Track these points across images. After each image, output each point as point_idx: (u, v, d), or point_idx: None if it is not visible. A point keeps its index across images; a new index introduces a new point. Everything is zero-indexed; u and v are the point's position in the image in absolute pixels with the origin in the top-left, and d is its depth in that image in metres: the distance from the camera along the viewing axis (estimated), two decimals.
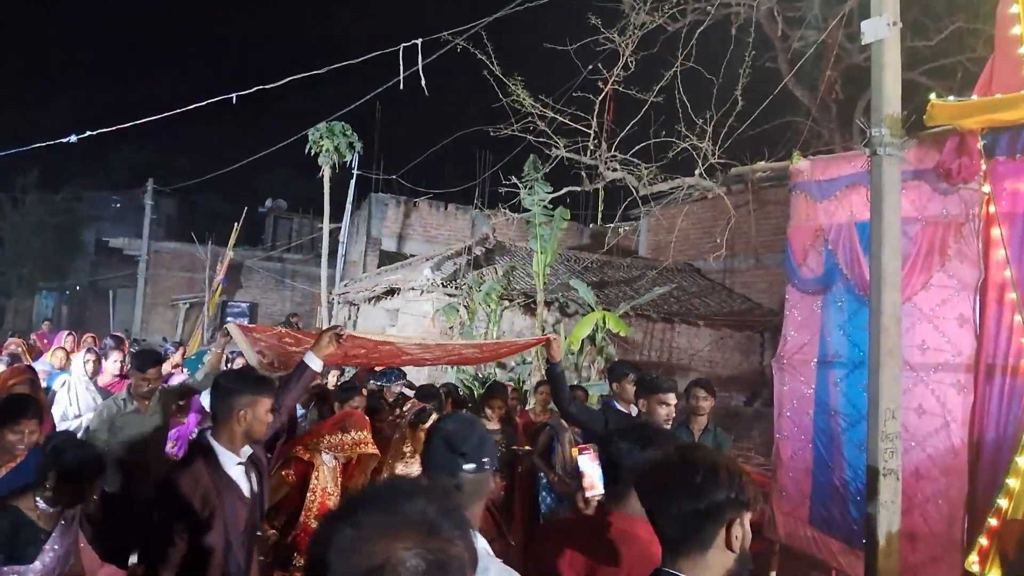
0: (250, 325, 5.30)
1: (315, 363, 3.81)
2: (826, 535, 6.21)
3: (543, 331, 11.27)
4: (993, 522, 5.01)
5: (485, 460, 2.12)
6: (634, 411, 5.18)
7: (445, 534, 1.07)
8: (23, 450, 3.73)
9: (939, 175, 5.46)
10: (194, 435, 5.71)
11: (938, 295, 5.57)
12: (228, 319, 23.43)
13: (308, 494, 4.38)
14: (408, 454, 4.79)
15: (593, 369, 11.51)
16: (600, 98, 8.89)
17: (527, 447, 6.24)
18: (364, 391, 6.31)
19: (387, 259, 17.47)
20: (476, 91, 10.31)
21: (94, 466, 3.34)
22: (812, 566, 6.51)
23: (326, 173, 16.67)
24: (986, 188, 5.40)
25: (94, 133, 8.81)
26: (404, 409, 4.77)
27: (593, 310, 10.94)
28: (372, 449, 4.59)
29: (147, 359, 5.38)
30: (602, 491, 4.21)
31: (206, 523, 2.96)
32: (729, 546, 1.75)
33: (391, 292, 13.09)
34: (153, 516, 3.01)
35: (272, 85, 9.25)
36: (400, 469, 4.75)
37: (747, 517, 1.80)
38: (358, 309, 15.31)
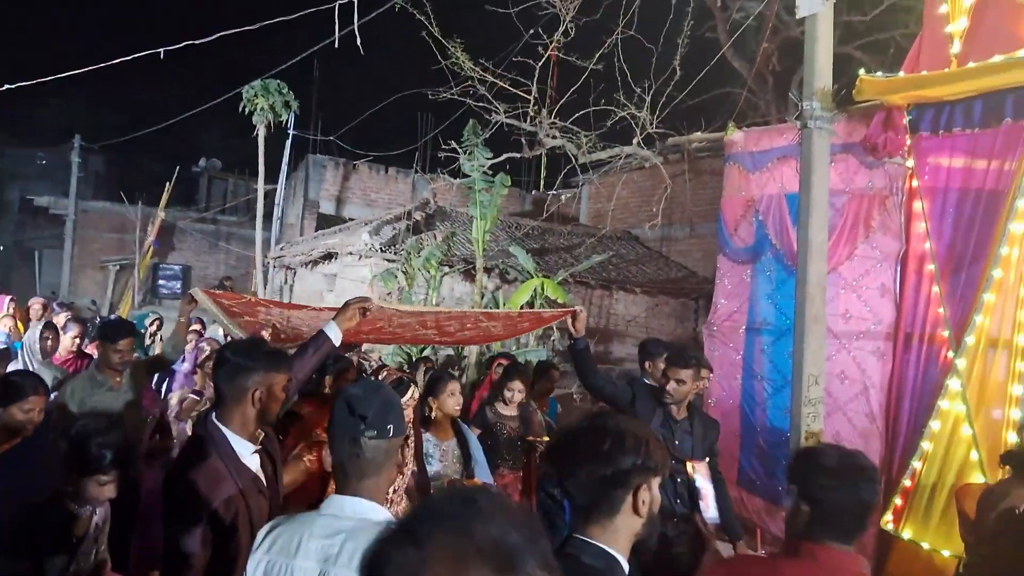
0: (216, 291, 5.00)
1: (335, 335, 3.48)
2: (752, 495, 6.45)
3: (482, 297, 11.28)
4: (907, 483, 5.27)
5: (389, 427, 2.04)
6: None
7: (524, 570, 0.90)
8: (30, 429, 3.64)
9: (866, 149, 5.62)
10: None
11: (862, 266, 5.76)
12: (160, 282, 22.80)
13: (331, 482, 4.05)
14: None
15: (531, 336, 11.59)
16: (540, 64, 8.84)
17: (546, 437, 5.58)
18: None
19: (325, 222, 17.19)
20: (417, 53, 10.13)
21: (124, 453, 2.99)
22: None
23: (261, 132, 16.24)
24: (910, 163, 5.59)
25: (16, 86, 8.37)
26: (380, 378, 4.48)
27: (532, 277, 10.98)
28: None
29: (120, 329, 4.96)
30: (717, 515, 4.21)
31: (231, 527, 2.54)
32: (636, 511, 1.79)
33: (328, 256, 12.91)
34: (167, 522, 2.60)
35: (201, 41, 8.94)
36: None
37: (655, 482, 1.84)
38: (295, 273, 15.07)
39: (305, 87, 18.92)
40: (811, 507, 2.15)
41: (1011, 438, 4.88)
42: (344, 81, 24.03)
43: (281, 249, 16.40)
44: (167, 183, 20.65)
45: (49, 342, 5.90)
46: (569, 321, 4.37)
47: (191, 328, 7.26)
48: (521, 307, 11.04)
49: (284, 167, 17.62)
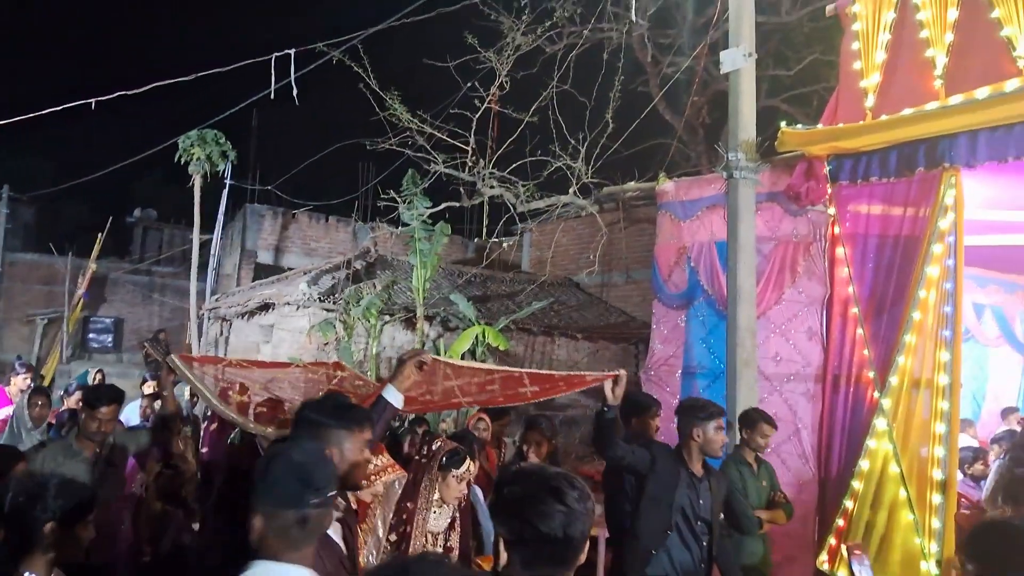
0: (192, 355, 4.71)
1: (397, 398, 3.17)
2: None
3: (423, 346, 11.20)
4: (840, 523, 5.37)
5: (332, 492, 2.00)
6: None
7: None
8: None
9: (790, 197, 5.84)
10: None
11: (789, 310, 5.93)
12: (91, 335, 22.02)
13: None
14: (436, 503, 3.95)
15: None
16: (477, 115, 8.99)
17: None
18: None
19: (264, 272, 16.92)
20: (356, 103, 10.19)
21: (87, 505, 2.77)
22: None
23: (197, 182, 15.99)
24: (831, 210, 5.82)
25: None
26: (433, 448, 4.03)
27: (474, 324, 10.97)
28: (400, 472, 3.71)
29: (103, 395, 4.52)
30: None
31: None
32: None
33: (265, 307, 12.68)
34: None
35: (134, 91, 8.86)
36: (432, 521, 3.93)
37: None
38: (230, 325, 14.75)
39: (243, 136, 18.84)
40: None
41: (937, 475, 5.03)
42: (283, 131, 24.00)
43: (216, 300, 16.06)
44: (99, 233, 20.10)
45: (38, 409, 5.75)
46: (609, 385, 3.96)
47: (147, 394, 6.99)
48: (463, 355, 11.00)
49: (220, 216, 17.35)
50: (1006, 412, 7.97)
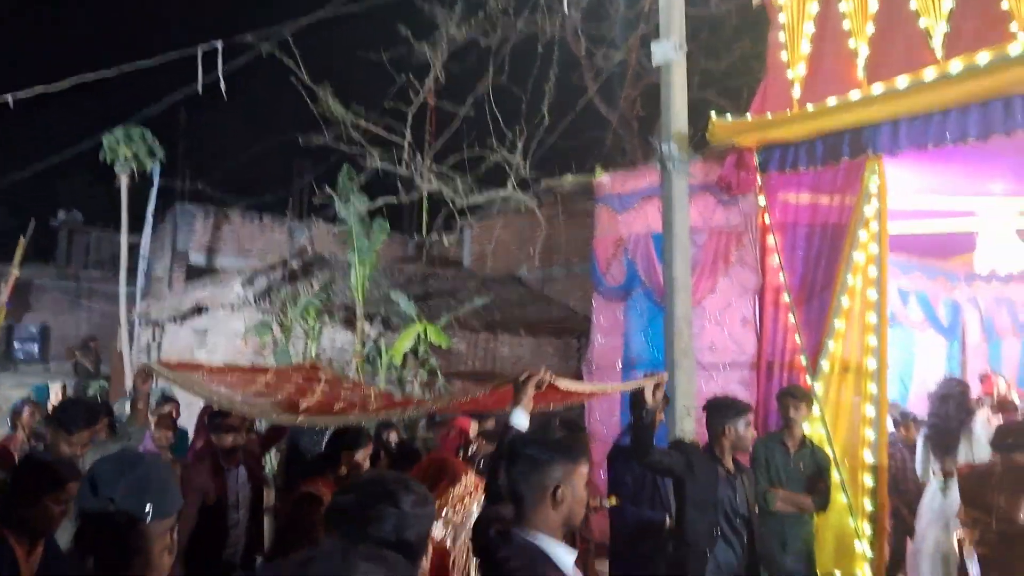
0: (172, 361, 4.39)
1: (523, 420, 2.89)
2: None
3: (363, 345, 11.03)
4: None
5: (147, 509, 1.78)
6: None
7: None
8: None
9: (721, 188, 5.92)
10: None
11: (723, 299, 6.02)
12: (15, 344, 21.11)
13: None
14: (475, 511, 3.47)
15: (416, 383, 11.42)
16: (413, 109, 8.88)
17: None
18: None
19: (196, 275, 16.43)
20: (289, 99, 9.98)
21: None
22: None
23: (124, 182, 15.43)
24: (761, 200, 5.91)
25: None
26: (469, 452, 3.74)
27: (415, 322, 10.85)
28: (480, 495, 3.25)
29: (78, 416, 3.82)
30: None
31: None
32: None
33: (199, 310, 12.32)
34: None
35: (55, 87, 8.52)
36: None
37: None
38: (163, 330, 14.29)
39: (172, 134, 18.28)
40: None
41: (868, 457, 5.16)
42: (214, 128, 23.37)
43: (148, 305, 15.55)
44: (22, 237, 19.27)
45: None
46: (650, 388, 3.71)
47: (165, 411, 6.28)
48: (404, 355, 10.89)
49: (149, 217, 16.77)
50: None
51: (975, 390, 6.74)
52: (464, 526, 3.19)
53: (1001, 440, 4.54)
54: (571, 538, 4.07)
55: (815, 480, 4.74)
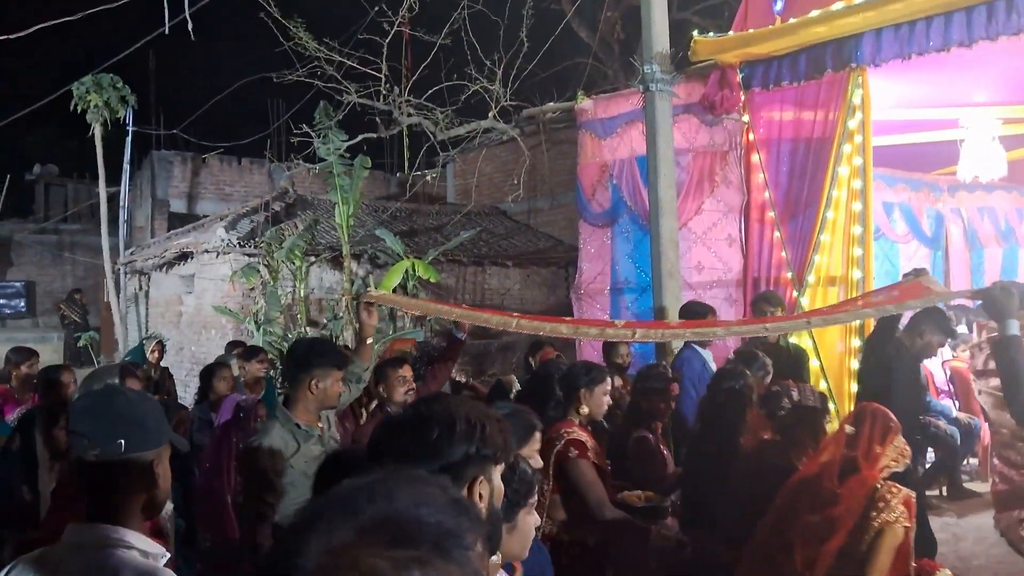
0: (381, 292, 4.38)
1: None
2: None
3: (352, 284, 11.05)
4: None
5: (119, 442, 1.72)
6: None
7: (423, 546, 0.80)
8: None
9: (705, 107, 5.88)
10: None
11: (709, 219, 6.05)
12: (1, 301, 20.99)
13: None
14: None
15: (408, 318, 11.48)
16: (388, 40, 8.69)
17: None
18: None
19: (178, 221, 16.24)
20: (260, 36, 9.72)
21: None
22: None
23: (97, 132, 15.10)
24: (745, 118, 5.89)
25: None
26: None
27: (403, 259, 10.84)
28: None
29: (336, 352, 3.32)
30: None
31: None
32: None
33: (184, 257, 12.25)
34: None
35: (16, 35, 8.26)
36: None
37: (496, 471, 1.61)
38: (149, 278, 14.22)
39: (143, 80, 17.77)
40: None
41: (854, 365, 5.29)
42: (186, 71, 22.77)
43: (131, 254, 15.43)
44: None
45: None
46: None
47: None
48: (394, 290, 10.91)
49: (126, 166, 16.48)
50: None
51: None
52: None
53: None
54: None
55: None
